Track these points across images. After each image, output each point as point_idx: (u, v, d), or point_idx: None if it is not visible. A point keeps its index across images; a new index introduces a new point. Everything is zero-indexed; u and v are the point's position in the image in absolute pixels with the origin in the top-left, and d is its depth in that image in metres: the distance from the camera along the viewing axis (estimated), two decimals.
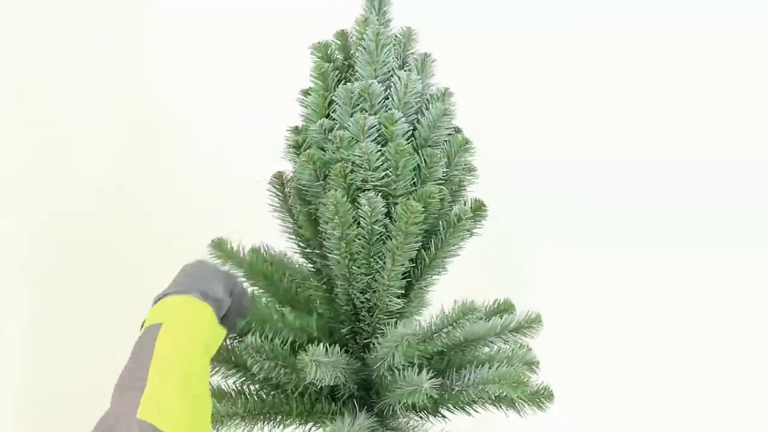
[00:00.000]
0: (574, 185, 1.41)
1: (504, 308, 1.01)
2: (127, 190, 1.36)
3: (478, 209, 0.92)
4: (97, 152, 1.35)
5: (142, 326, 0.72)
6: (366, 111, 0.82)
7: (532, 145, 1.40)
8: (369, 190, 0.80)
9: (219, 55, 1.39)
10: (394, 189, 0.82)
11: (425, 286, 0.91)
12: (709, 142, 1.40)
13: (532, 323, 0.96)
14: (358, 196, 0.80)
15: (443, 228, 0.85)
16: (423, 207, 0.79)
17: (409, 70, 0.86)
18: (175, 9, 1.40)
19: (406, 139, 0.82)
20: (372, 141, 0.80)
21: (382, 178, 0.80)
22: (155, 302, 0.74)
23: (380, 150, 0.80)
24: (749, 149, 1.40)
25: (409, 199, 0.80)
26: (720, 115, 1.40)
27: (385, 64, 0.85)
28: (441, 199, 0.83)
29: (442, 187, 0.83)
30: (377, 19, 0.87)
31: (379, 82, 0.84)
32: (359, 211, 0.79)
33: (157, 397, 0.61)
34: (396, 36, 0.89)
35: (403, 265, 0.82)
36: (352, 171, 0.81)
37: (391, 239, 0.80)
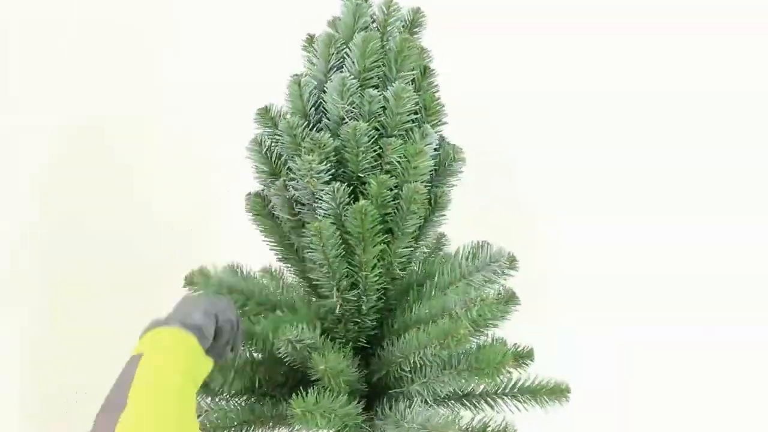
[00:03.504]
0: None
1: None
2: (129, 189, 1.37)
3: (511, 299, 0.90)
4: (100, 152, 1.36)
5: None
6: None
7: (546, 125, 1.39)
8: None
9: (231, 61, 1.40)
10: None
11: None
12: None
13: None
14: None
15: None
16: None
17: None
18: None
19: None
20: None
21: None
22: (144, 333, 0.77)
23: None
24: None
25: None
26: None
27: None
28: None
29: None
30: None
31: None
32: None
33: (135, 417, 0.64)
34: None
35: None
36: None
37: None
